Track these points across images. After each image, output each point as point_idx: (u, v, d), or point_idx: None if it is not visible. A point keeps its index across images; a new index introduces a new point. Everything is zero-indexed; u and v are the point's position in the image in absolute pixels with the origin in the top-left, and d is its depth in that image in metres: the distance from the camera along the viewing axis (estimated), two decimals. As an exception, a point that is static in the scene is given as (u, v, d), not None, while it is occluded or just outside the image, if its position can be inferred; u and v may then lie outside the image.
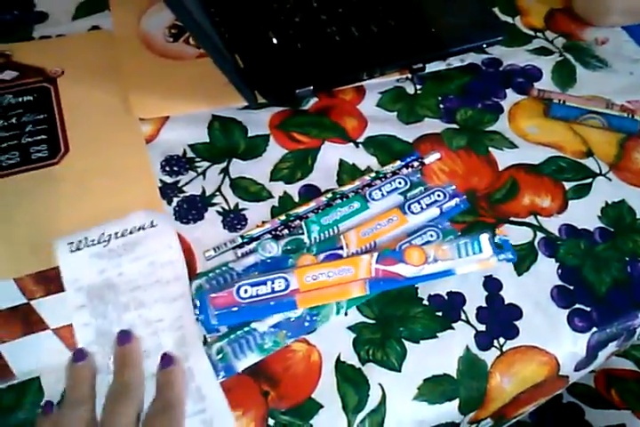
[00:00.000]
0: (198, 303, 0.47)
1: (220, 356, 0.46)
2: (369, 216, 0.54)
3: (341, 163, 0.58)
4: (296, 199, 0.55)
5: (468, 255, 0.50)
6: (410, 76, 0.64)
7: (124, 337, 0.46)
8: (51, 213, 0.52)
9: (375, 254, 0.49)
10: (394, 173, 0.56)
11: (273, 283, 0.47)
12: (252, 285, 0.47)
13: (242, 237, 0.51)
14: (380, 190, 0.55)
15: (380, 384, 0.46)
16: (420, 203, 0.54)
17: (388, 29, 0.63)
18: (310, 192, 0.55)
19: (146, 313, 0.47)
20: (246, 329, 0.47)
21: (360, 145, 0.59)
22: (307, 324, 0.48)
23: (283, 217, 0.53)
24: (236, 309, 0.46)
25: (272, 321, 0.47)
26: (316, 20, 0.63)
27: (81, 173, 0.54)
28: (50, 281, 0.48)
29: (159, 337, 0.47)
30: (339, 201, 0.54)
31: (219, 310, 0.46)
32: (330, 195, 0.54)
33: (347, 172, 0.57)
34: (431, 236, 0.52)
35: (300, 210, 0.53)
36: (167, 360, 0.45)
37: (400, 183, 0.55)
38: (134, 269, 0.49)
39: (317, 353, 0.47)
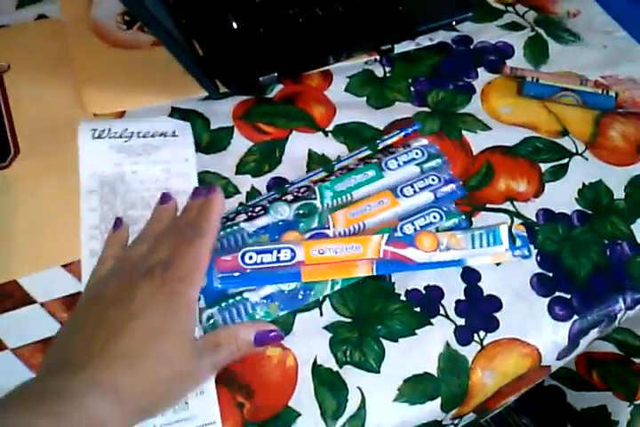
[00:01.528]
0: None
1: (211, 322, 0.45)
2: (381, 186, 0.52)
3: (310, 153, 0.55)
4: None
5: (482, 247, 0.49)
6: (378, 57, 0.62)
7: (208, 189, 0.47)
8: (3, 221, 0.49)
9: (385, 236, 0.47)
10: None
11: (279, 252, 0.46)
12: (258, 252, 0.46)
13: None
14: (397, 160, 0.53)
15: (358, 387, 0.45)
16: (413, 186, 0.52)
17: (353, 9, 0.60)
18: (279, 185, 0.53)
19: (149, 214, 0.48)
20: (238, 298, 0.46)
21: (329, 134, 0.57)
22: (300, 297, 0.47)
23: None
24: (237, 274, 0.46)
25: (265, 292, 0.46)
26: (278, 2, 0.60)
27: (34, 177, 0.51)
28: (6, 297, 0.46)
29: None
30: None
31: (222, 273, 0.45)
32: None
33: (316, 162, 0.55)
34: (434, 217, 0.50)
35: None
36: (210, 189, 0.46)
37: (417, 154, 0.54)
38: (148, 172, 0.51)
39: (293, 357, 0.46)
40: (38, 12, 0.62)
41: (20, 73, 0.57)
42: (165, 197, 0.48)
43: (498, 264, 0.51)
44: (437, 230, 0.50)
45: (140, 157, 0.51)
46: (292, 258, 0.46)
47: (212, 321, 0.45)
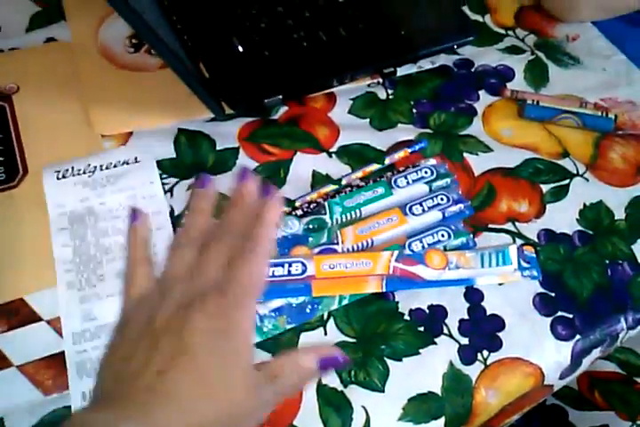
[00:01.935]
0: None
1: None
2: (390, 203, 0.53)
3: (314, 174, 0.56)
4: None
5: (492, 266, 0.49)
6: (381, 80, 0.63)
7: (243, 174, 0.41)
8: (11, 239, 0.50)
9: (395, 252, 0.48)
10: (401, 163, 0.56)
11: (290, 266, 0.47)
12: (270, 265, 0.47)
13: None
14: (406, 178, 0.54)
15: (363, 407, 0.45)
16: (421, 205, 0.52)
17: (357, 33, 0.61)
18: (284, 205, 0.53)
19: (122, 240, 0.49)
20: (247, 311, 0.46)
21: (333, 155, 0.57)
22: (308, 311, 0.48)
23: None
24: None
25: (274, 305, 0.47)
26: (283, 26, 0.61)
27: (42, 196, 0.52)
28: (13, 314, 0.46)
29: None
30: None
31: None
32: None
33: (320, 183, 0.55)
34: (442, 236, 0.51)
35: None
36: (266, 190, 0.40)
37: (426, 173, 0.54)
38: (115, 200, 0.52)
39: (298, 377, 0.46)
40: (47, 35, 0.63)
41: (29, 94, 0.58)
42: (204, 180, 0.42)
43: (500, 284, 0.51)
44: (445, 249, 0.51)
45: (106, 188, 0.53)
46: (304, 272, 0.47)
47: None
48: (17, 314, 0.46)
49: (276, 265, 0.47)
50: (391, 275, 0.47)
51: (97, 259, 0.49)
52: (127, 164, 0.54)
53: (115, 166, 0.54)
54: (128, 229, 0.41)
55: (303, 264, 0.47)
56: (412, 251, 0.50)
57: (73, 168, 0.53)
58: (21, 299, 0.47)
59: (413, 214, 0.52)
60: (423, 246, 0.50)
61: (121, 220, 0.51)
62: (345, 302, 0.48)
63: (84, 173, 0.53)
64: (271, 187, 0.40)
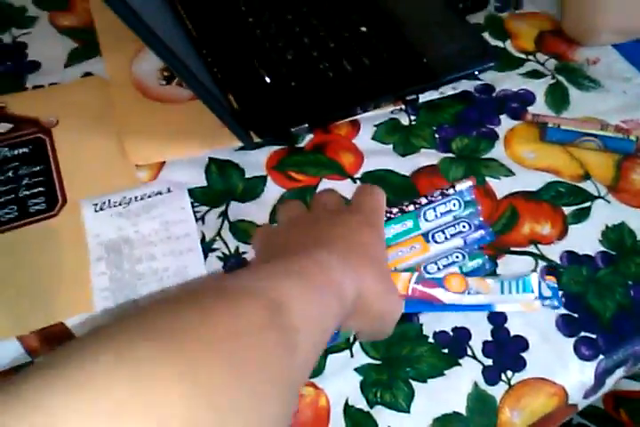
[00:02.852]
0: None
1: None
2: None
3: (340, 199, 0.58)
4: (297, 239, 0.55)
5: (512, 293, 0.49)
6: (404, 107, 0.64)
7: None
8: (52, 266, 0.52)
9: (415, 274, 0.48)
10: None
11: None
12: None
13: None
14: (435, 211, 0.54)
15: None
16: (444, 233, 0.53)
17: (380, 62, 0.63)
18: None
19: (155, 265, 0.53)
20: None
21: (358, 181, 0.59)
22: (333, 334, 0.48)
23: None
24: None
25: None
26: (309, 57, 0.63)
27: (80, 225, 0.54)
28: (54, 337, 0.48)
29: (163, 283, 0.52)
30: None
31: None
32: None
33: (345, 208, 0.57)
34: (457, 257, 0.52)
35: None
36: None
37: (455, 205, 0.55)
38: (149, 227, 0.55)
39: (325, 398, 0.47)
40: (84, 70, 0.66)
41: (68, 127, 0.60)
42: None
43: (522, 309, 0.52)
44: (461, 270, 0.52)
45: (140, 217, 0.55)
46: None
47: None
48: (59, 338, 0.48)
49: None
50: (410, 296, 0.48)
51: (132, 285, 0.51)
52: (160, 194, 0.56)
53: (149, 197, 0.56)
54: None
55: None
56: (428, 272, 0.51)
57: (110, 201, 0.55)
58: (62, 323, 0.49)
59: (436, 242, 0.53)
60: (439, 268, 0.51)
61: (154, 245, 0.53)
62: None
63: (120, 204, 0.55)
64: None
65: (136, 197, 0.56)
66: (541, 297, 0.50)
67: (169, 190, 0.57)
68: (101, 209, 0.55)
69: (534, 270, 0.54)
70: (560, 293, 0.53)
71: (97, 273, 0.52)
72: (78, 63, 0.67)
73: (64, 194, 0.56)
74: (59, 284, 0.51)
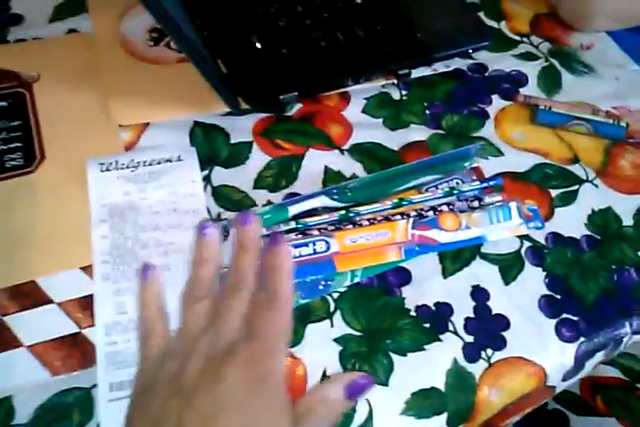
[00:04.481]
0: None
1: None
2: None
3: (327, 170, 0.57)
4: (280, 208, 0.54)
5: (500, 222, 0.51)
6: (395, 81, 0.63)
7: (244, 217, 0.40)
8: (26, 223, 0.50)
9: (411, 220, 0.50)
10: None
11: (315, 245, 0.49)
12: (296, 246, 0.48)
13: (296, 222, 0.51)
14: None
15: (366, 400, 0.45)
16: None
17: (373, 35, 0.62)
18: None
19: (159, 236, 0.51)
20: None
21: (345, 152, 0.58)
22: (321, 287, 0.49)
23: (342, 211, 0.52)
24: None
25: None
26: (301, 25, 0.62)
27: (58, 183, 0.53)
28: (25, 296, 0.47)
29: (168, 257, 0.50)
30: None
31: None
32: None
33: (332, 179, 0.56)
34: (457, 183, 0.54)
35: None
36: (275, 240, 0.38)
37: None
38: (156, 196, 0.53)
39: (302, 367, 0.46)
40: (69, 26, 0.65)
41: (50, 83, 0.59)
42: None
43: (507, 284, 0.51)
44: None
45: (148, 184, 0.53)
46: (328, 249, 0.49)
47: None
48: (28, 296, 0.47)
49: (301, 245, 0.49)
50: (408, 242, 0.49)
51: (134, 253, 0.50)
52: (170, 161, 0.55)
53: (158, 163, 0.54)
54: (139, 287, 0.40)
55: (326, 242, 0.49)
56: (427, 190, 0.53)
57: (117, 162, 0.54)
58: (33, 281, 0.47)
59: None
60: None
61: (160, 215, 0.52)
62: (357, 279, 0.49)
63: (128, 167, 0.54)
64: (279, 235, 0.39)
65: (145, 162, 0.54)
66: (525, 221, 0.52)
67: (179, 159, 0.55)
68: (107, 170, 0.53)
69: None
70: (543, 273, 0.53)
71: (98, 236, 0.50)
72: (63, 19, 0.65)
73: (42, 150, 0.54)
74: (31, 241, 0.49)
